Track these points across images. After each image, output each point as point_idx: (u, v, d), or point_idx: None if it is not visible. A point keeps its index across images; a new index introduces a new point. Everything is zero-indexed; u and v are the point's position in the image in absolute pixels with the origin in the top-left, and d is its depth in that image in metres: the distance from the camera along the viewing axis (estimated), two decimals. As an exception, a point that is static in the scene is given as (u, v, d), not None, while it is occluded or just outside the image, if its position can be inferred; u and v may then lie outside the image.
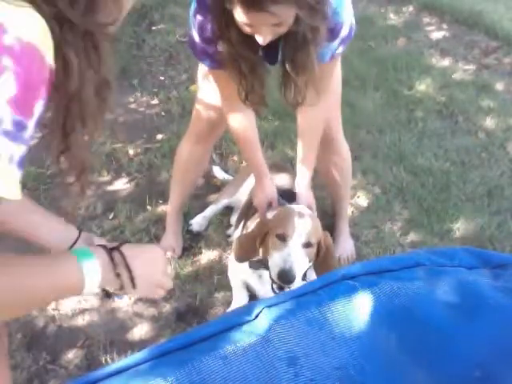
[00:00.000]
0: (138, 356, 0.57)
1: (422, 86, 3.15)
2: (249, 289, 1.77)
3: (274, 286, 1.50)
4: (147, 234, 2.06)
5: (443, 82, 3.23)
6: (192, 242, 2.06)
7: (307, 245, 1.45)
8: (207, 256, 2.01)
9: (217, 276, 1.91)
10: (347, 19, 1.42)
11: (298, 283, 1.39)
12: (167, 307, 1.80)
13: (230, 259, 1.81)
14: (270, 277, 1.49)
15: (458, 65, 3.48)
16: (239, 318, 0.61)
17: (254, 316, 0.60)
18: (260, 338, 0.57)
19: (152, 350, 0.58)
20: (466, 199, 2.33)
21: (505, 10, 4.08)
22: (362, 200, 2.31)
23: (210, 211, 2.13)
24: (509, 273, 0.67)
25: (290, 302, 0.62)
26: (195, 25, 1.38)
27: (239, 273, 1.76)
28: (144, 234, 2.06)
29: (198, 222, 2.11)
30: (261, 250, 1.57)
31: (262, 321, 0.59)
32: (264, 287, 1.65)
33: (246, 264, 1.65)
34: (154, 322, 1.75)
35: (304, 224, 1.47)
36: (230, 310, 1.81)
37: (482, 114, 2.94)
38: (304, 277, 1.53)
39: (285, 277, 1.37)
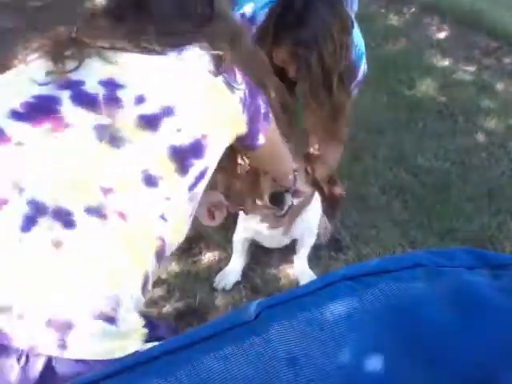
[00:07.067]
0: (137, 356, 0.57)
1: (422, 86, 3.15)
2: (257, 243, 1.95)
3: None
4: (147, 233, 2.06)
5: (443, 82, 3.22)
6: (192, 242, 2.06)
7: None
8: (207, 256, 2.01)
9: (217, 276, 1.91)
10: (364, 64, 1.65)
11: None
12: (167, 307, 1.80)
13: (239, 219, 1.88)
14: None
15: (459, 65, 3.48)
16: (239, 318, 0.60)
17: (254, 316, 0.60)
18: (260, 338, 0.57)
19: (152, 350, 0.58)
20: (466, 199, 2.32)
21: (505, 10, 4.08)
22: (362, 200, 2.30)
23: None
24: (509, 273, 0.67)
25: (290, 302, 0.62)
26: None
27: (248, 229, 1.83)
28: (144, 233, 2.06)
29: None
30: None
31: (262, 321, 0.59)
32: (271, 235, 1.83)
33: (253, 220, 1.76)
34: (154, 322, 1.75)
35: None
36: (223, 272, 1.91)
37: (482, 113, 2.94)
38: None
39: (276, 197, 1.50)
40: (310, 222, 1.87)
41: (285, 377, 0.54)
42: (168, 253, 0.91)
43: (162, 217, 0.84)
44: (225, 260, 1.97)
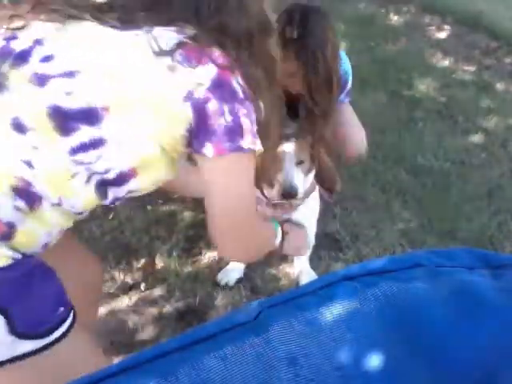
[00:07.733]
0: (137, 356, 0.57)
1: (422, 86, 3.15)
2: None
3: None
4: (147, 233, 2.06)
5: (443, 82, 3.23)
6: (192, 242, 2.06)
7: (299, 162, 1.62)
8: (207, 256, 2.01)
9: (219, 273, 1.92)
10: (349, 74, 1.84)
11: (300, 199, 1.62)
12: (167, 307, 1.80)
13: None
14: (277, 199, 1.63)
15: (459, 65, 3.48)
16: (239, 318, 0.60)
17: (254, 316, 0.60)
18: (260, 338, 0.57)
19: (152, 350, 0.58)
20: (466, 199, 2.32)
21: (505, 10, 4.08)
22: (362, 200, 2.30)
23: None
24: (509, 273, 0.67)
25: (289, 302, 0.62)
26: None
27: None
28: (144, 233, 2.06)
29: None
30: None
31: (262, 321, 0.59)
32: None
33: None
34: (153, 322, 1.75)
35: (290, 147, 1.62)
36: (225, 269, 1.93)
37: (482, 113, 2.95)
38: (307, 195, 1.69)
39: (288, 189, 1.54)
40: (310, 221, 1.87)
41: (285, 377, 0.54)
42: (43, 197, 0.94)
43: (28, 163, 0.90)
44: (225, 260, 1.97)
